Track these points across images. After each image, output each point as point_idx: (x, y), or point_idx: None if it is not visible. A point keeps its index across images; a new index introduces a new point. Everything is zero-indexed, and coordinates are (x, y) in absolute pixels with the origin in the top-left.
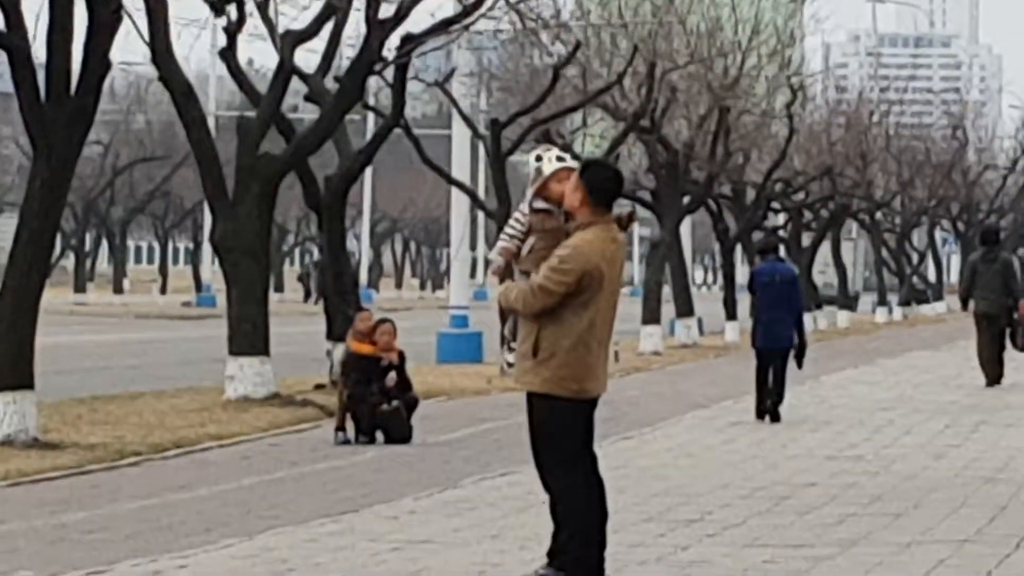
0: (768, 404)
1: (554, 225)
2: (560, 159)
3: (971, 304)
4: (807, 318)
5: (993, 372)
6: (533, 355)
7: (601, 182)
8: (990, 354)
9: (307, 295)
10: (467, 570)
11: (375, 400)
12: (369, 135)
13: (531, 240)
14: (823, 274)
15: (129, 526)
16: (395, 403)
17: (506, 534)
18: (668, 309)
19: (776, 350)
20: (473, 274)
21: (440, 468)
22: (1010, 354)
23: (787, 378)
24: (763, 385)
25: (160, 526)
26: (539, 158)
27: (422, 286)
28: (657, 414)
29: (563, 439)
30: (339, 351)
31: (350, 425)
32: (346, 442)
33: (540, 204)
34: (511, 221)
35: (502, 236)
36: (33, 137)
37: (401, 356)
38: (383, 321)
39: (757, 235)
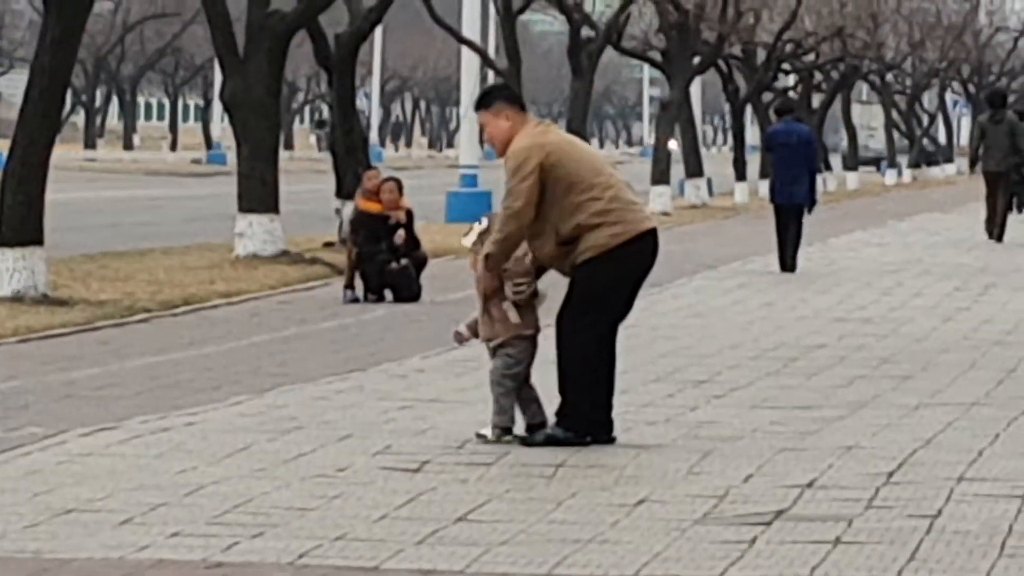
0: (789, 256)
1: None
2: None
3: (979, 165)
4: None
5: (996, 227)
6: (569, 243)
7: (511, 94)
8: (993, 210)
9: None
10: (473, 428)
11: (383, 258)
12: None
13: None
14: (872, 137)
15: (138, 383)
16: (404, 261)
17: None
18: (677, 169)
19: (793, 205)
20: (482, 133)
21: (448, 327)
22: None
23: (803, 230)
24: (784, 239)
25: (169, 383)
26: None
27: (431, 145)
28: (666, 275)
29: (607, 300)
30: (348, 209)
31: (359, 283)
32: (355, 300)
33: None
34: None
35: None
36: None
37: (409, 214)
38: (388, 179)
39: (767, 96)
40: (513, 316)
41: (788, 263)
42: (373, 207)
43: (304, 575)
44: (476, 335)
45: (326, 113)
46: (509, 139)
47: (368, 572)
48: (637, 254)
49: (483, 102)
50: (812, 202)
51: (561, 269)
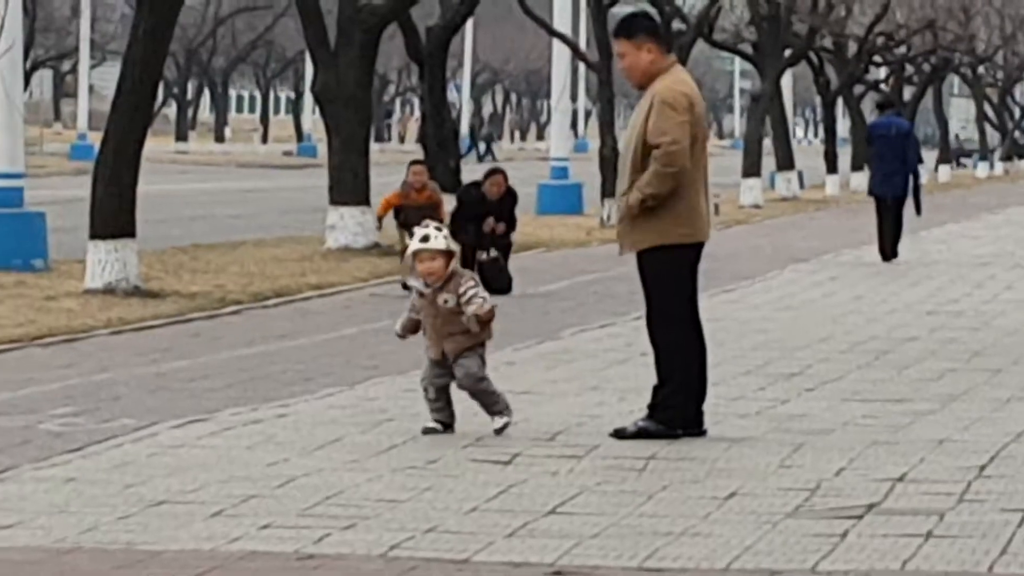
0: (889, 245)
1: (422, 304)
2: (424, 239)
3: None
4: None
5: None
6: (641, 211)
7: (655, 27)
8: None
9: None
10: (566, 420)
11: (470, 241)
12: None
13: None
14: (964, 130)
15: (229, 375)
16: (493, 252)
17: (605, 385)
18: (768, 162)
19: (892, 197)
20: (574, 126)
21: (539, 319)
22: None
23: (903, 221)
24: (883, 228)
25: (260, 375)
26: (425, 238)
27: (522, 137)
28: (757, 267)
29: (676, 289)
30: (448, 203)
31: None
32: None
33: (412, 282)
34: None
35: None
36: None
37: (513, 195)
38: (495, 171)
39: (858, 89)
40: (474, 326)
41: (889, 252)
42: (397, 201)
43: (395, 567)
44: (413, 333)
45: (417, 106)
46: (647, 73)
47: (459, 564)
48: (692, 257)
49: (625, 31)
50: (917, 202)
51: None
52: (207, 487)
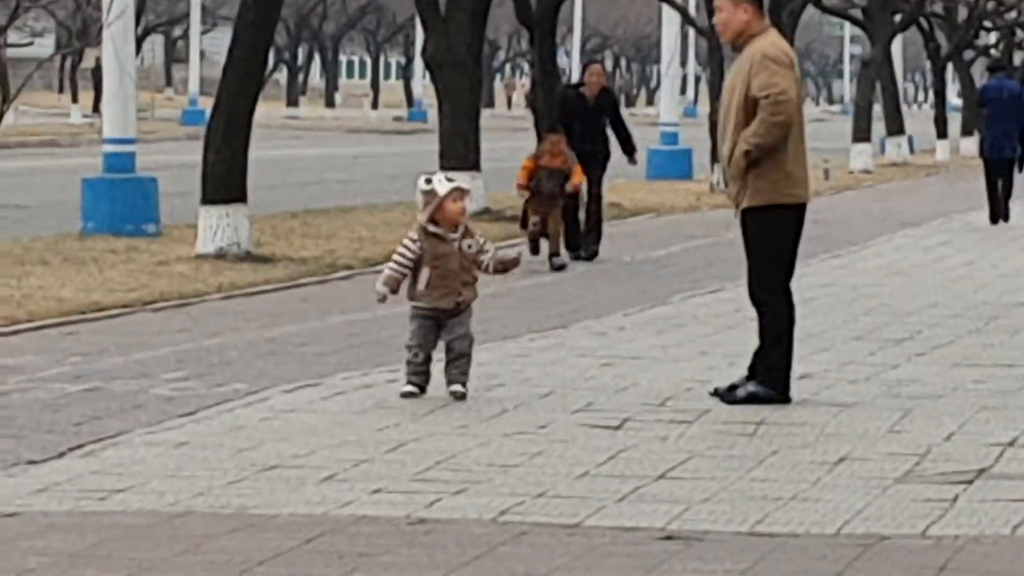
0: (1001, 207)
1: (446, 251)
2: (449, 179)
3: None
4: None
5: None
6: (749, 172)
7: None
8: None
9: None
10: (676, 385)
11: (575, 146)
12: None
13: (425, 273)
14: None
15: (340, 340)
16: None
17: (715, 350)
18: (878, 127)
19: (1003, 159)
20: (684, 91)
21: (650, 284)
22: None
23: (1013, 183)
24: (994, 192)
25: (371, 340)
26: (428, 180)
27: (630, 103)
28: (867, 232)
29: (778, 251)
30: None
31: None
32: (562, 267)
33: (433, 229)
34: (400, 249)
35: (389, 265)
36: None
37: (610, 95)
38: (592, 62)
39: (968, 54)
40: (491, 271)
41: (1001, 214)
42: (532, 165)
43: (506, 532)
44: (394, 293)
45: (527, 70)
46: (741, 32)
47: (569, 529)
48: (798, 218)
49: None
50: (1022, 159)
51: (735, 193)
52: (318, 452)
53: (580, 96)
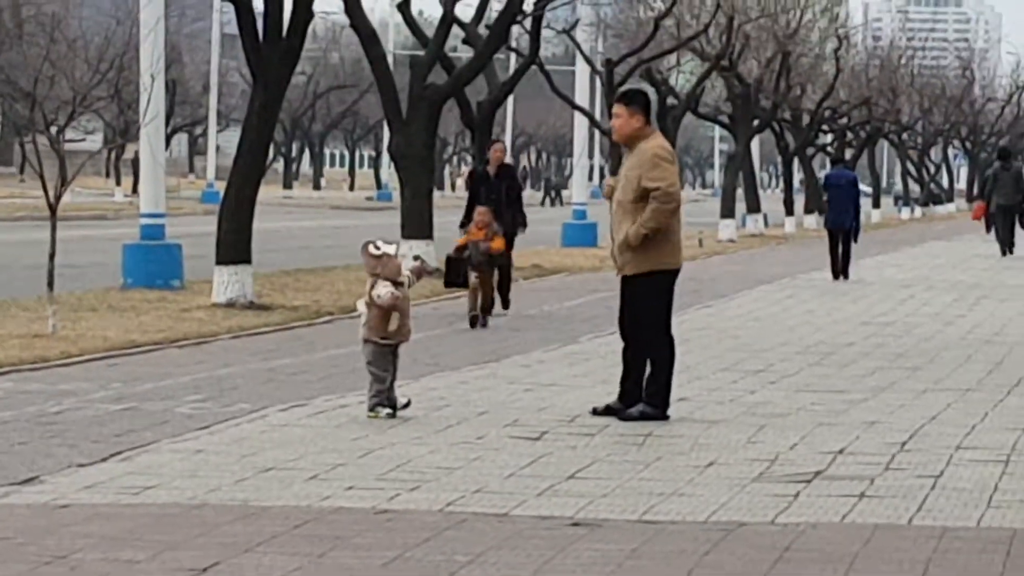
0: (840, 266)
1: (403, 296)
2: (387, 243)
3: (993, 202)
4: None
5: (1007, 244)
6: (638, 246)
7: (647, 103)
8: (1005, 234)
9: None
10: (583, 406)
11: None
12: (511, 71)
13: (396, 317)
14: (894, 184)
15: (323, 370)
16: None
17: (612, 380)
18: (741, 206)
19: (843, 229)
20: (591, 177)
21: (564, 328)
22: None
23: (852, 248)
24: (835, 254)
25: (347, 370)
26: (377, 247)
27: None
28: (732, 288)
29: (666, 306)
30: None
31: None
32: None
33: (399, 279)
34: (394, 292)
35: (392, 292)
36: (252, 69)
37: (509, 170)
38: (496, 141)
39: (810, 150)
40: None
41: (841, 271)
42: (463, 242)
43: (450, 519)
44: (420, 277)
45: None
46: (631, 135)
47: (499, 518)
48: (674, 280)
49: (627, 99)
50: (856, 230)
51: (618, 261)
52: (305, 457)
53: (486, 172)
